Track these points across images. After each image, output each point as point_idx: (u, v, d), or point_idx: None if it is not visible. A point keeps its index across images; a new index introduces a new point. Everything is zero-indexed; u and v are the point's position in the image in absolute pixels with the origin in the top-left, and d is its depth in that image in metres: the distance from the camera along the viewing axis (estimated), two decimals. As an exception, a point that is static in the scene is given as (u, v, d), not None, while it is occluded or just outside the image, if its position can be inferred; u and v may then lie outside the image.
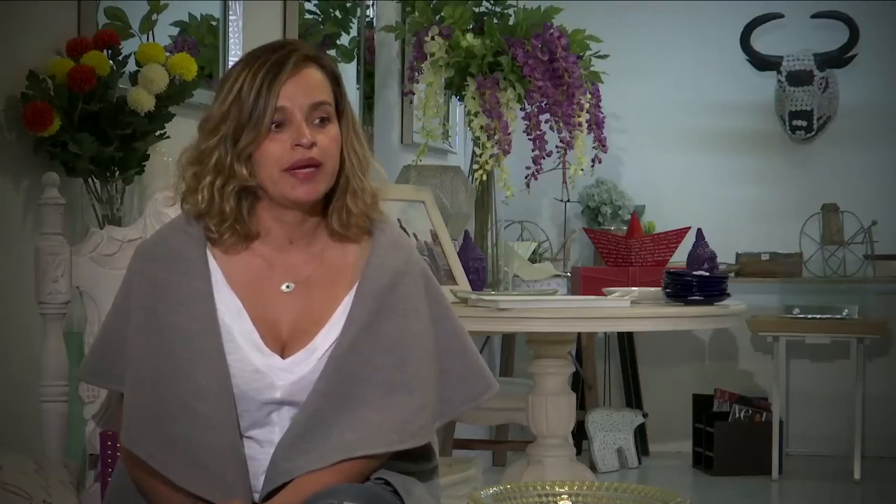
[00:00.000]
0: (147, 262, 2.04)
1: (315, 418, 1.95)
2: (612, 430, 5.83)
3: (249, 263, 2.03)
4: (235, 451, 1.95)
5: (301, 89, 1.97)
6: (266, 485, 1.96)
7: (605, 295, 3.50)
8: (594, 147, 4.16)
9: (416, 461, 2.05)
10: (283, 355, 1.99)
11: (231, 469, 1.94)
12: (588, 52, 4.19)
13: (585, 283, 3.86)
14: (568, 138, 3.99)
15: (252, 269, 2.03)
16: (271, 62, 1.97)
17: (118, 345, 2.02)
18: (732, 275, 5.42)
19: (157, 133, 2.92)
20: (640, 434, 6.15)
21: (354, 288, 2.02)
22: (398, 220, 3.65)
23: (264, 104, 1.95)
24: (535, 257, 5.43)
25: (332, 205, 2.04)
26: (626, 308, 3.32)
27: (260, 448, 1.99)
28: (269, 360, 1.98)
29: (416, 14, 4.21)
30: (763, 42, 6.33)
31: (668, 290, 3.43)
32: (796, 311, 5.93)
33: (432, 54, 4.02)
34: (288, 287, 2.03)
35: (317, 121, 1.98)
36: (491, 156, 3.94)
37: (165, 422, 1.94)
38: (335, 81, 2.03)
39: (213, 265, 2.02)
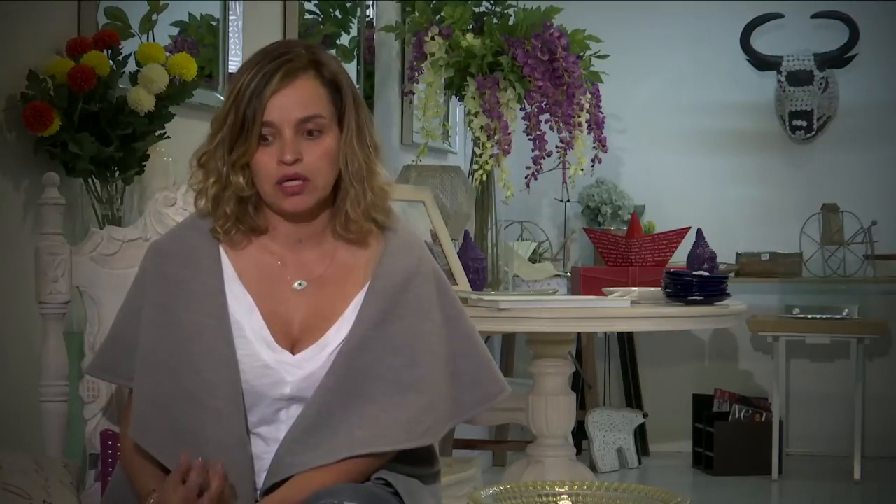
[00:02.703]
0: (160, 258, 2.05)
1: (322, 414, 1.95)
2: (612, 430, 5.83)
3: (261, 261, 2.04)
4: (242, 447, 1.96)
5: (290, 101, 1.95)
6: (268, 479, 1.96)
7: (605, 295, 3.50)
8: (594, 147, 4.15)
9: (418, 465, 2.05)
10: (293, 352, 2.00)
11: (237, 465, 1.94)
12: (588, 52, 4.19)
13: (585, 283, 3.86)
14: (568, 138, 3.99)
15: (264, 266, 2.03)
16: (263, 73, 1.95)
17: (129, 341, 2.03)
18: (732, 275, 5.41)
19: (157, 133, 2.92)
20: (640, 434, 6.15)
21: (366, 286, 2.02)
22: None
23: (252, 116, 1.94)
24: (535, 257, 5.42)
25: (336, 207, 2.04)
26: (626, 308, 3.32)
27: (265, 446, 1.99)
28: (279, 356, 1.98)
29: (416, 14, 4.20)
30: (763, 42, 6.33)
31: (668, 290, 3.43)
32: (796, 311, 5.93)
33: (432, 54, 4.02)
34: (300, 285, 2.03)
35: (307, 134, 1.97)
36: (491, 156, 3.93)
37: (174, 415, 1.95)
38: (334, 89, 2.00)
39: (226, 262, 2.03)
